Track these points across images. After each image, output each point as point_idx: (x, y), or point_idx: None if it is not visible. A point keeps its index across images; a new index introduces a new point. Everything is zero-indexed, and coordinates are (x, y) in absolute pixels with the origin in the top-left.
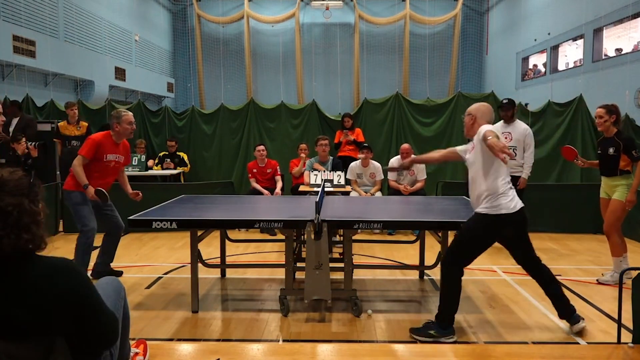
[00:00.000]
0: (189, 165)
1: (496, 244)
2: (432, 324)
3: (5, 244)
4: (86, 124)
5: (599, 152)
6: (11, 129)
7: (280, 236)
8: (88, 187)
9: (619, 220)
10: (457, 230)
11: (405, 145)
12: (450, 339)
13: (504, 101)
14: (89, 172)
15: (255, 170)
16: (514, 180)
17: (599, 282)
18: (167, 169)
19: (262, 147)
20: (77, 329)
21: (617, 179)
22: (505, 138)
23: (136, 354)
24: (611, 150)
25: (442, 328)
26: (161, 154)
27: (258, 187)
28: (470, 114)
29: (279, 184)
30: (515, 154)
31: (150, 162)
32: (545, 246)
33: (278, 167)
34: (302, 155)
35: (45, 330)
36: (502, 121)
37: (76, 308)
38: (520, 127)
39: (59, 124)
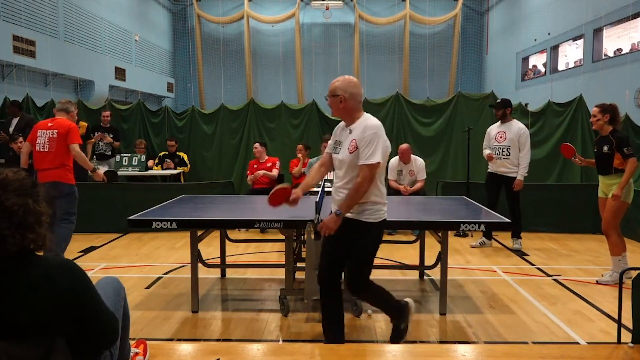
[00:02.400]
0: (189, 165)
1: (496, 245)
2: (395, 322)
3: (11, 243)
4: (86, 124)
5: (595, 150)
6: (11, 129)
7: (281, 236)
8: (96, 170)
9: (617, 218)
10: (351, 256)
11: (404, 146)
12: (410, 310)
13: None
14: (70, 157)
15: (255, 167)
16: (509, 181)
17: (598, 283)
18: (167, 169)
19: (256, 144)
20: (77, 329)
21: (612, 178)
22: (500, 137)
23: (136, 354)
24: (605, 148)
25: (400, 316)
26: (161, 154)
27: (251, 177)
28: (337, 95)
29: (275, 172)
30: (509, 153)
31: (150, 162)
32: (545, 246)
33: (278, 162)
34: (300, 155)
35: (45, 330)
36: (499, 121)
37: (76, 308)
38: (516, 126)
39: None
